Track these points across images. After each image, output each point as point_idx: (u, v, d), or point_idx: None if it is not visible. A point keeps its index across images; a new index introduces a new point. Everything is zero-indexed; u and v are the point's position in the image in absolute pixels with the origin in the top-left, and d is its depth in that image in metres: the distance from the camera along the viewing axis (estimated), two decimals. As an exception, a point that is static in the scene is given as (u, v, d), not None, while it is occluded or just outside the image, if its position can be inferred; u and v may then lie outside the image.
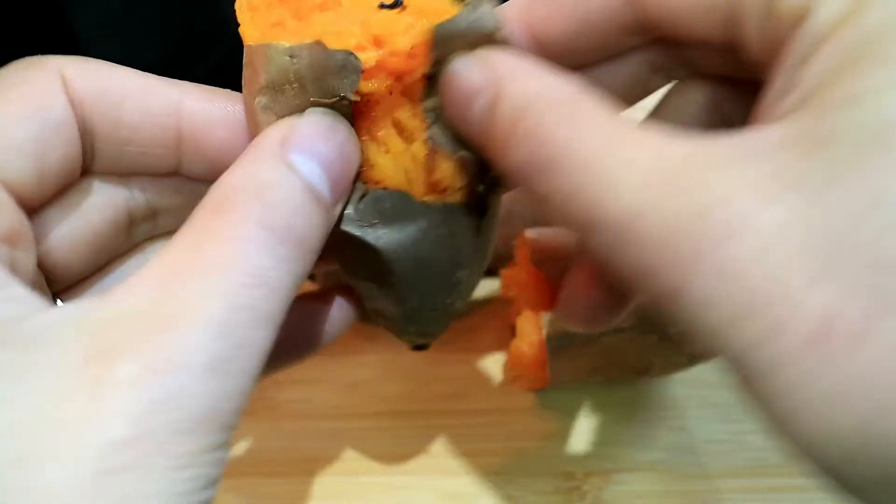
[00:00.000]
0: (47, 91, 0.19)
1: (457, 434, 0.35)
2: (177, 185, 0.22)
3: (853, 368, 0.12)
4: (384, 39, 0.19)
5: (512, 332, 0.35)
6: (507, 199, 0.23)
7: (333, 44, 0.18)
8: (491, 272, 0.36)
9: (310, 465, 0.34)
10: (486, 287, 0.40)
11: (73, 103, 0.19)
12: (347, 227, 0.20)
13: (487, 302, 0.40)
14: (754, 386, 0.13)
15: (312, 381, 0.36)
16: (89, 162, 0.21)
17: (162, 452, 0.14)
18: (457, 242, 0.21)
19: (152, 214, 0.23)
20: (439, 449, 0.34)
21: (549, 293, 0.34)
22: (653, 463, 0.33)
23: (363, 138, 0.20)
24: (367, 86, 0.19)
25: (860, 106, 0.13)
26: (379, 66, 0.19)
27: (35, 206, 0.19)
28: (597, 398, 0.36)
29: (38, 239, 0.20)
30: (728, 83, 0.20)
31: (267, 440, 0.35)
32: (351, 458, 0.34)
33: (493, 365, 0.37)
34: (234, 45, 0.20)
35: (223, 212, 0.16)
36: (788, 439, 0.13)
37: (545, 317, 0.31)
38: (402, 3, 0.20)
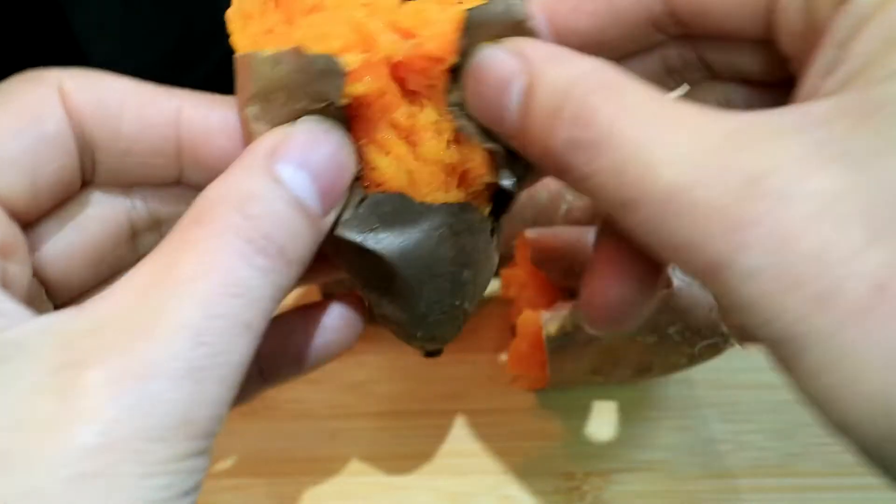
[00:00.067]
0: (43, 104, 0.19)
1: (457, 434, 0.35)
2: (179, 194, 0.22)
3: None
4: (415, 30, 0.19)
5: (512, 332, 0.35)
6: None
7: (317, 47, 0.18)
8: (491, 272, 0.36)
9: (310, 465, 0.34)
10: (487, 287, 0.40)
11: (72, 116, 0.19)
12: (348, 233, 0.20)
13: (487, 302, 0.39)
14: (799, 363, 0.13)
15: (312, 381, 0.36)
16: (90, 174, 0.20)
17: (134, 459, 0.14)
18: (460, 242, 0.21)
19: (156, 224, 0.23)
20: (439, 449, 0.34)
21: (549, 293, 0.34)
22: (653, 463, 0.33)
23: (362, 141, 0.20)
24: (356, 88, 0.18)
25: None
26: (365, 68, 0.18)
27: (31, 219, 0.19)
28: (597, 398, 0.36)
29: (36, 251, 0.20)
30: (743, 86, 0.21)
31: (267, 440, 0.35)
32: (351, 458, 0.34)
33: (493, 365, 0.37)
34: (234, 46, 0.20)
35: (203, 222, 0.17)
36: (832, 418, 0.13)
37: (545, 317, 0.31)
38: None
